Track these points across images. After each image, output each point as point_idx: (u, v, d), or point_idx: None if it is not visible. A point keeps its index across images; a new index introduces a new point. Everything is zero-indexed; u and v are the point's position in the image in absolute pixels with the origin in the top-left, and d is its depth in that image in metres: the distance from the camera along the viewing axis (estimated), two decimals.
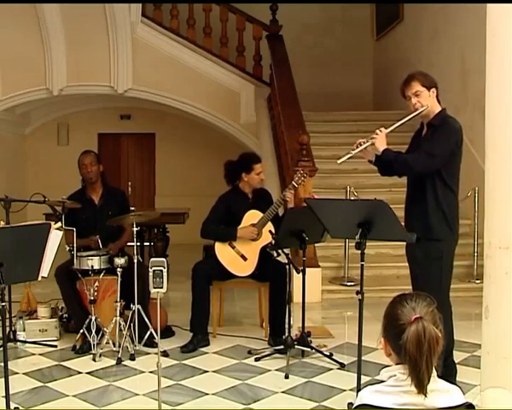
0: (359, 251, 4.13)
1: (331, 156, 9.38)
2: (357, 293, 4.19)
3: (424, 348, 2.04)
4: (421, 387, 2.06)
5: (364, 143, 4.49)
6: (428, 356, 2.05)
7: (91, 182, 6.21)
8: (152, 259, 4.05)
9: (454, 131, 4.43)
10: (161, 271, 3.95)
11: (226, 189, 6.24)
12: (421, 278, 4.45)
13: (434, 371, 2.10)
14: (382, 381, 2.18)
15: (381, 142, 4.46)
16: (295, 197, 6.27)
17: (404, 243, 4.57)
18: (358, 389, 4.12)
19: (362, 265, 4.18)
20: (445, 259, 4.41)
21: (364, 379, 4.45)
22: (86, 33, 10.55)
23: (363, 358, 4.34)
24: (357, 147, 4.48)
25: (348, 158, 4.51)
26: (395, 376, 2.13)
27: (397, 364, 2.16)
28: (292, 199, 5.84)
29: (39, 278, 3.85)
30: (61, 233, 4.31)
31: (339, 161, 4.59)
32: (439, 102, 4.52)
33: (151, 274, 3.97)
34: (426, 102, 4.41)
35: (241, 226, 5.89)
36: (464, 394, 2.21)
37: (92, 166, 6.17)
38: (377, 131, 4.50)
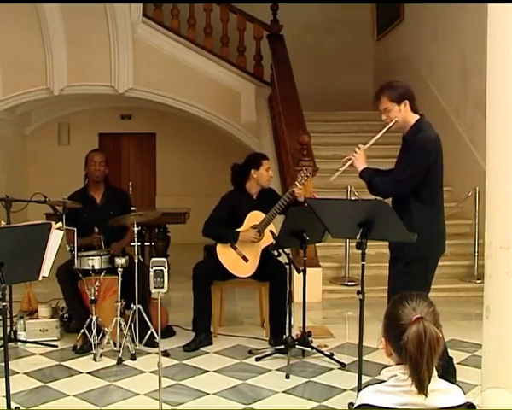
0: (360, 251, 4.12)
1: (332, 156, 9.38)
2: (358, 293, 4.18)
3: (425, 348, 2.04)
4: (422, 387, 2.06)
5: (347, 162, 4.55)
6: (429, 356, 2.05)
7: (96, 181, 6.22)
8: (153, 259, 4.05)
9: (423, 150, 4.31)
10: (162, 271, 3.94)
11: (227, 188, 6.22)
12: (396, 289, 4.42)
13: (435, 371, 2.10)
14: (383, 381, 2.18)
15: (359, 162, 4.51)
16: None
17: None
18: (359, 388, 4.11)
19: (363, 265, 4.17)
20: (421, 276, 4.34)
21: (365, 379, 4.45)
22: (87, 33, 10.55)
23: (363, 358, 4.34)
24: (344, 164, 4.56)
25: (338, 175, 4.59)
26: (396, 376, 2.13)
27: (397, 364, 2.16)
28: (302, 194, 5.76)
29: (40, 278, 3.85)
30: (61, 233, 4.30)
31: (331, 179, 4.67)
32: (416, 111, 4.43)
33: (152, 274, 3.97)
34: (394, 115, 4.38)
35: (242, 228, 5.89)
36: (465, 394, 2.21)
37: (101, 166, 6.20)
38: (356, 149, 4.52)
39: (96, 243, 5.89)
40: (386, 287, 4.50)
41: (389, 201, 4.39)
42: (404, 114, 4.39)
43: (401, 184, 4.32)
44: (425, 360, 2.04)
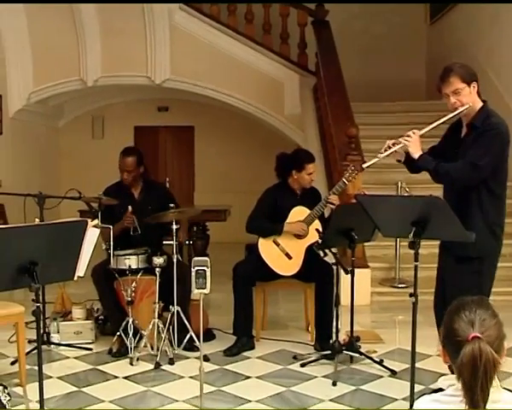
0: (413, 251, 4.09)
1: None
2: (411, 295, 4.14)
3: (479, 372, 1.98)
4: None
5: (395, 145, 4.36)
6: (484, 381, 1.98)
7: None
8: (195, 258, 4.06)
9: (500, 136, 4.19)
10: (204, 271, 3.95)
11: (269, 184, 6.24)
12: (456, 292, 4.34)
13: (497, 380, 2.05)
14: (439, 389, 2.16)
15: (415, 147, 4.32)
16: (343, 194, 6.24)
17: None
18: (412, 398, 4.08)
19: (416, 266, 4.15)
20: (485, 273, 4.29)
21: (418, 388, 4.40)
22: (122, 21, 10.61)
23: (416, 365, 4.30)
24: (386, 150, 4.37)
25: (374, 162, 4.44)
26: (454, 385, 2.09)
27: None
28: (337, 201, 5.76)
29: (75, 278, 3.89)
30: (97, 231, 4.36)
31: (364, 166, 4.63)
32: (479, 96, 4.29)
33: (193, 274, 3.98)
34: (467, 99, 4.19)
35: (288, 221, 5.89)
36: None
37: (130, 174, 6.21)
38: (410, 133, 4.35)
39: (129, 223, 5.91)
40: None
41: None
42: (473, 98, 4.23)
43: (479, 171, 4.13)
44: (479, 384, 1.98)
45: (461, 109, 4.22)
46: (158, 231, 6.17)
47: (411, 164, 4.52)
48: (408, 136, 4.35)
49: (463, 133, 4.38)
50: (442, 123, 4.41)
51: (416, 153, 4.32)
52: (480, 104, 4.28)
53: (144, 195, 6.32)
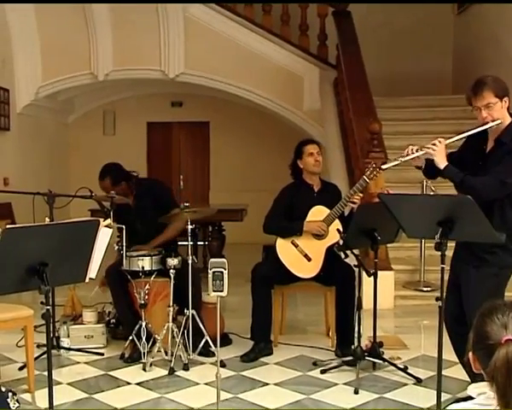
0: (439, 252, 4.08)
1: (405, 147, 9.26)
2: (437, 299, 4.13)
3: None
4: None
5: (417, 151, 4.41)
6: None
7: None
8: (211, 260, 4.06)
9: None
10: (222, 273, 3.95)
11: (287, 182, 6.23)
12: (469, 300, 4.34)
13: None
14: (467, 398, 2.14)
15: (441, 156, 4.34)
16: (365, 193, 6.22)
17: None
18: (438, 407, 4.07)
19: (442, 268, 4.13)
20: (501, 280, 4.36)
21: (444, 397, 4.39)
22: (134, 13, 10.65)
23: (442, 372, 4.28)
24: (408, 154, 4.42)
25: (394, 165, 4.51)
26: (485, 393, 2.08)
27: (488, 380, 2.11)
28: (359, 201, 5.74)
29: (87, 280, 3.90)
30: (110, 231, 4.36)
31: (383, 167, 4.71)
32: (508, 110, 4.33)
33: (210, 276, 3.97)
34: (498, 114, 4.22)
35: (307, 220, 5.87)
36: None
37: (110, 194, 6.15)
38: (435, 142, 4.36)
39: None
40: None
41: None
42: (504, 113, 4.27)
43: (507, 188, 4.20)
44: None
45: (491, 124, 4.25)
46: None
47: (430, 171, 4.56)
48: (434, 144, 4.37)
49: (489, 147, 4.40)
50: (470, 135, 4.43)
51: (442, 163, 4.35)
52: (509, 119, 4.31)
53: (137, 201, 6.31)
